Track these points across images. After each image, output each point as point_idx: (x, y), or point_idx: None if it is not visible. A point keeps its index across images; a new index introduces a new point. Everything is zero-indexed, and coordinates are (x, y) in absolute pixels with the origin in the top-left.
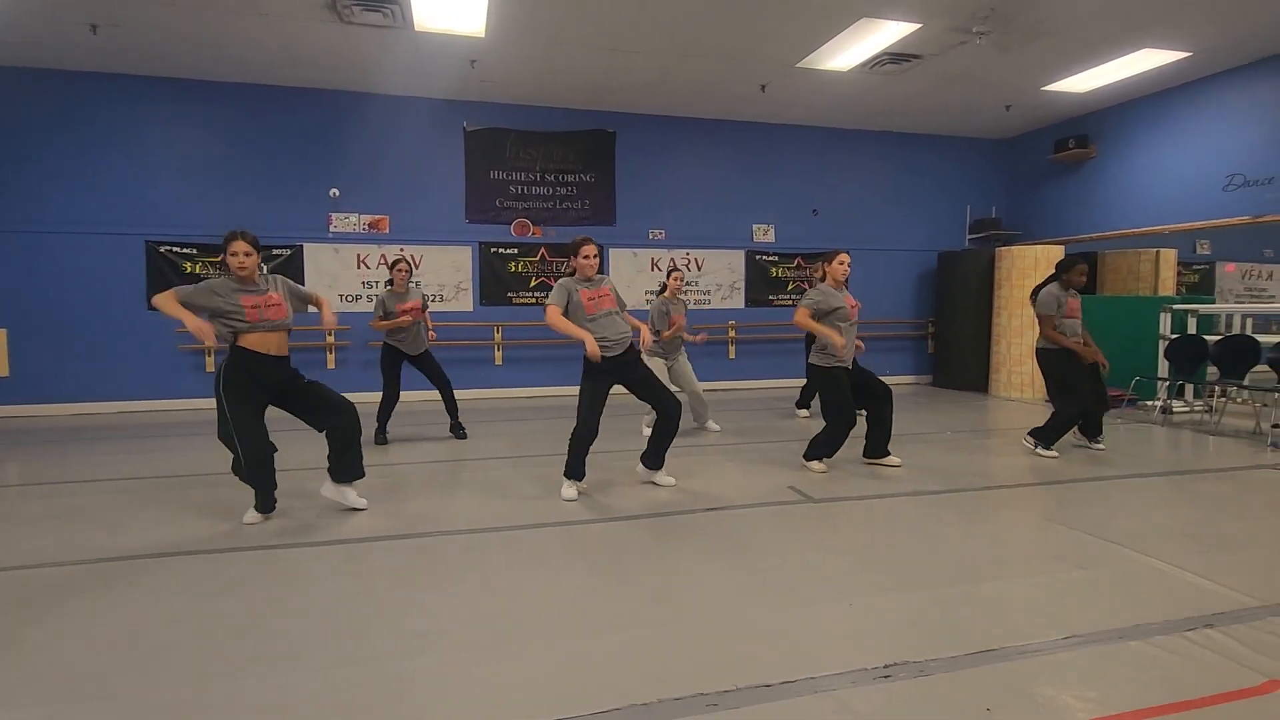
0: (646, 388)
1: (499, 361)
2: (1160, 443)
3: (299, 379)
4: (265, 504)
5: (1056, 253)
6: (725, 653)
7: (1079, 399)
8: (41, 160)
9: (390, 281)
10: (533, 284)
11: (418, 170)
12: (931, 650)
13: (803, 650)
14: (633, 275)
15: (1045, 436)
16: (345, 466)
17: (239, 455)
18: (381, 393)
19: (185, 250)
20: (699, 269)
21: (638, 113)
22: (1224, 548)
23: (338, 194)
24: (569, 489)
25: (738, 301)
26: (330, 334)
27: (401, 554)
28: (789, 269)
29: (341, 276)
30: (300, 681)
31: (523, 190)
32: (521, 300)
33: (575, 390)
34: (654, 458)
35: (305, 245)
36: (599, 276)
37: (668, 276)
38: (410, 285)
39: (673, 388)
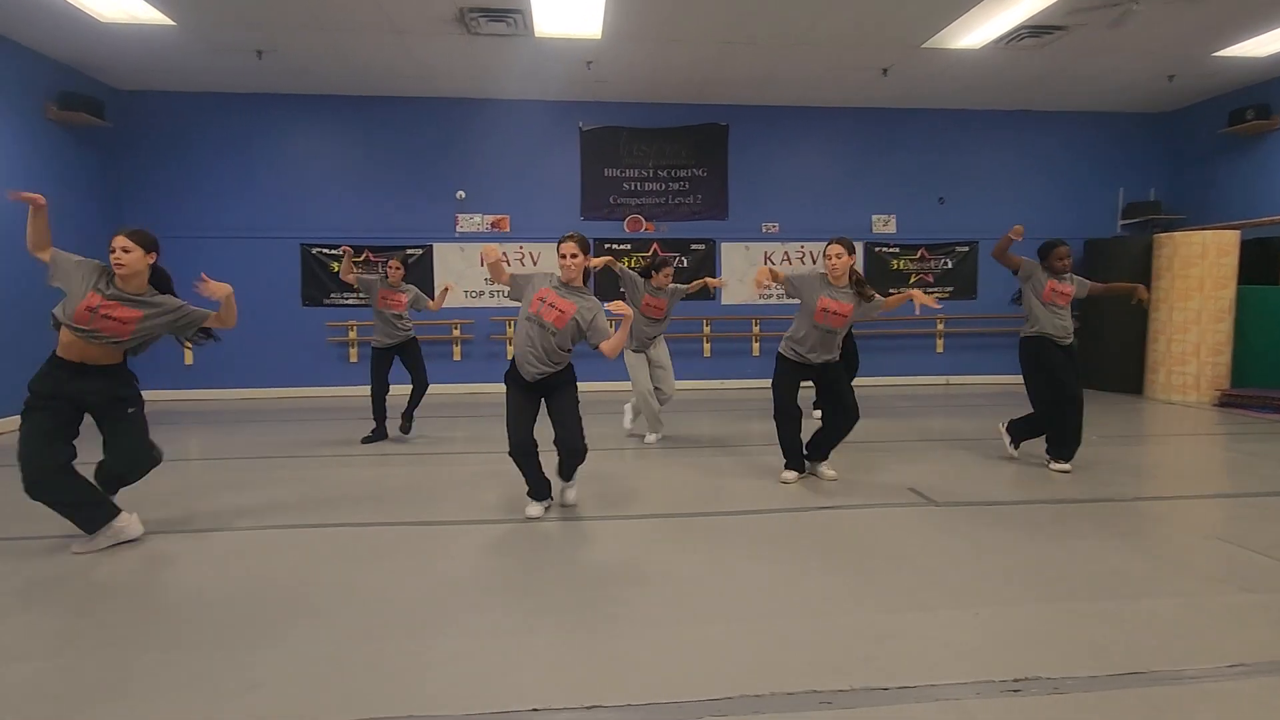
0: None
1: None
2: None
3: None
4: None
5: (1229, 238)
6: (840, 652)
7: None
8: (212, 175)
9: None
10: None
11: (536, 170)
12: (1067, 667)
13: (923, 656)
14: (745, 269)
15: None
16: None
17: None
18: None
19: (333, 251)
20: (814, 262)
21: (751, 104)
22: None
23: (464, 196)
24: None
25: None
26: (455, 328)
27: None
28: (912, 261)
29: (466, 274)
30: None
31: (635, 186)
32: None
33: (691, 384)
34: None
35: (435, 245)
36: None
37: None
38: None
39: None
